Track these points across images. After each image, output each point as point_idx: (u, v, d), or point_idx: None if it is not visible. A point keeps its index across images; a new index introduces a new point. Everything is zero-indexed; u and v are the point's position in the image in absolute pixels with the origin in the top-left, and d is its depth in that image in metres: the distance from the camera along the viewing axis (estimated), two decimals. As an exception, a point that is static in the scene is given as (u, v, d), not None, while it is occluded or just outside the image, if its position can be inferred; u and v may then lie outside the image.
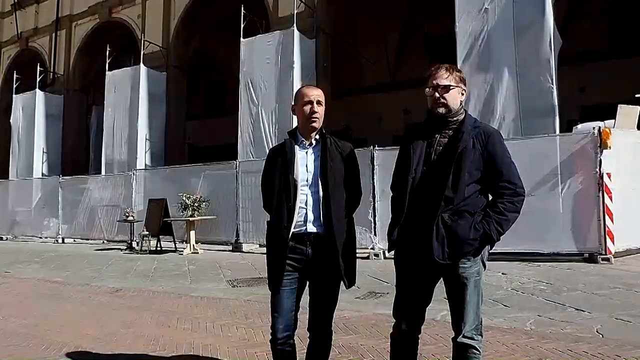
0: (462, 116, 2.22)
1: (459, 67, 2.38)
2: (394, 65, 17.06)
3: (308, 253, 2.34)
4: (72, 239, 13.36)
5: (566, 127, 8.64)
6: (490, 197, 2.20)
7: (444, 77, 2.19)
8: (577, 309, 4.31)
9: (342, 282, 2.39)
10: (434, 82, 2.19)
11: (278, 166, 2.40)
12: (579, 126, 8.09)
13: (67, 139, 18.12)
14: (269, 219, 2.46)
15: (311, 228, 2.34)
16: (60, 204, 13.62)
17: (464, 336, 2.13)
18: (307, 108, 2.40)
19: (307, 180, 2.36)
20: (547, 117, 8.33)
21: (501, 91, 8.90)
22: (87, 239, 13.00)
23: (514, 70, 8.80)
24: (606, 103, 9.54)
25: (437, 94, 2.18)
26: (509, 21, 8.91)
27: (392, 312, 2.32)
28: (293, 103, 2.50)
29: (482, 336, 2.18)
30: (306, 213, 2.34)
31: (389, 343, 2.32)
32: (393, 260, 2.33)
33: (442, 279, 2.22)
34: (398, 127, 14.85)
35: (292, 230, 2.33)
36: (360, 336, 3.79)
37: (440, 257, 2.08)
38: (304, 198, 2.35)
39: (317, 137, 2.44)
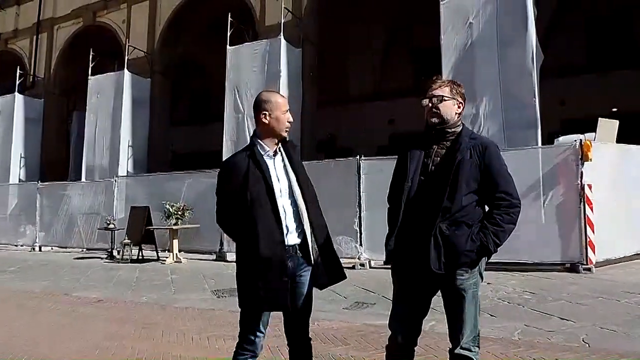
0: (460, 128, 2.26)
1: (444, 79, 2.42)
2: (380, 76, 17.25)
3: (289, 266, 2.26)
4: (50, 247, 12.97)
5: (547, 139, 8.84)
6: (487, 209, 2.22)
7: (439, 89, 2.26)
8: (563, 319, 4.37)
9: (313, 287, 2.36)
10: (430, 92, 2.26)
11: (250, 176, 2.24)
12: (560, 138, 8.29)
13: (47, 143, 17.68)
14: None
15: (294, 240, 2.28)
16: (38, 210, 13.23)
17: (461, 347, 2.13)
18: (286, 116, 2.35)
19: (280, 191, 2.30)
20: (529, 130, 8.50)
21: (484, 104, 9.07)
22: (65, 247, 12.63)
23: (497, 83, 8.97)
24: (585, 116, 9.81)
25: (430, 104, 2.23)
26: (493, 35, 9.12)
27: (387, 323, 2.31)
28: (264, 109, 2.32)
29: (479, 347, 2.19)
30: (287, 225, 2.28)
31: (384, 355, 2.30)
32: (390, 271, 2.32)
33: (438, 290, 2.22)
34: (383, 137, 15.08)
35: None
36: (350, 347, 3.75)
37: (436, 267, 2.09)
38: (281, 209, 2.27)
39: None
